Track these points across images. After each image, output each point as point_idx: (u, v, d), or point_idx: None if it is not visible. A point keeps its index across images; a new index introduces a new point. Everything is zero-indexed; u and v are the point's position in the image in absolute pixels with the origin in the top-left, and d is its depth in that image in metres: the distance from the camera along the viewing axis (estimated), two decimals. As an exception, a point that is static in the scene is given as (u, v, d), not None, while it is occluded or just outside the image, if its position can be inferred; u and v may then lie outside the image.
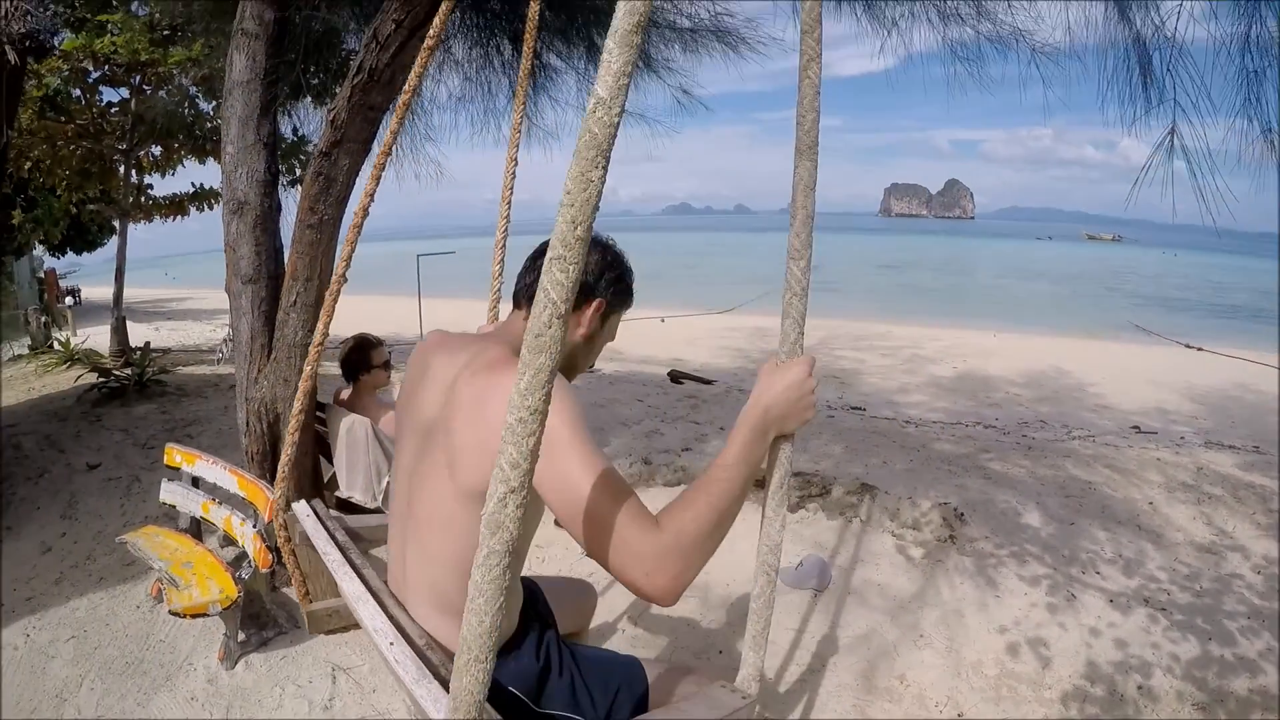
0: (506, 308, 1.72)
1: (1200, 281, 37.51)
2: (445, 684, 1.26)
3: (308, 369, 2.34)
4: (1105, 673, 2.98)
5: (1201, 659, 3.06)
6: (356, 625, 1.96)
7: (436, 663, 1.34)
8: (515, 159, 2.64)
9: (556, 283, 0.82)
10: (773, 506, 1.34)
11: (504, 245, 2.61)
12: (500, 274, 2.60)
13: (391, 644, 1.39)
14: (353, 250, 2.30)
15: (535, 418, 0.85)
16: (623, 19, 0.77)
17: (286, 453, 2.32)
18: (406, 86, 2.17)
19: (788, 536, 3.74)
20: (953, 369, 10.40)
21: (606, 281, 1.54)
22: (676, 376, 7.48)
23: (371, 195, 2.26)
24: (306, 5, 3.44)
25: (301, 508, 2.13)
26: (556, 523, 1.26)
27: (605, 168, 0.79)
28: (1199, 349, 12.76)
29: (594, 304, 1.53)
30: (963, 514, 4.15)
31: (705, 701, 1.41)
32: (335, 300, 2.31)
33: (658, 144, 4.46)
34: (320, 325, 2.31)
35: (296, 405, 2.33)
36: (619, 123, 0.79)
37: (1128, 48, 2.78)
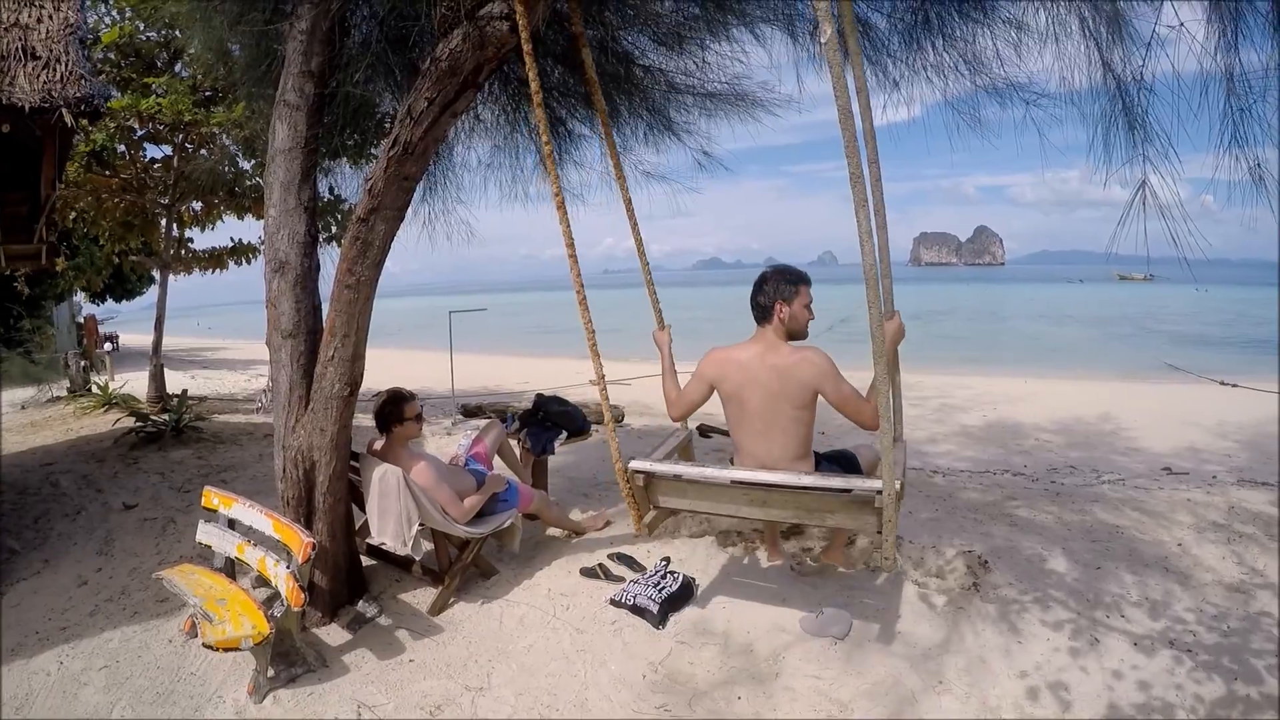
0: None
1: (1234, 316, 36.84)
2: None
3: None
4: (1126, 714, 2.97)
5: (1226, 699, 3.04)
6: (671, 515, 3.71)
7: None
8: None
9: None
10: (896, 379, 3.26)
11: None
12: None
13: (802, 475, 3.08)
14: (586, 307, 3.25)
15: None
16: None
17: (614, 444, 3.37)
18: (554, 192, 2.54)
19: (807, 587, 3.81)
20: (982, 417, 10.30)
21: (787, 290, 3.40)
22: (705, 431, 7.52)
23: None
24: (345, 80, 3.64)
25: (641, 463, 3.32)
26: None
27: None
28: (1233, 385, 12.54)
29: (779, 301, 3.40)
30: (987, 561, 4.14)
31: (898, 449, 3.31)
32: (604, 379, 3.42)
33: (685, 201, 4.61)
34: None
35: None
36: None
37: (1111, 92, 2.88)
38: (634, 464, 3.31)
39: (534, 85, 2.82)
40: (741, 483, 3.14)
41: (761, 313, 3.39)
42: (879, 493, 2.72)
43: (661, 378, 3.75)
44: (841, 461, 3.67)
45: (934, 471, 6.68)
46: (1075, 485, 6.05)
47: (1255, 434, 8.88)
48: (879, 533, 2.78)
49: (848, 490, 2.92)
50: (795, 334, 3.39)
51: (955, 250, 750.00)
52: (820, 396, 3.26)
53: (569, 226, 3.13)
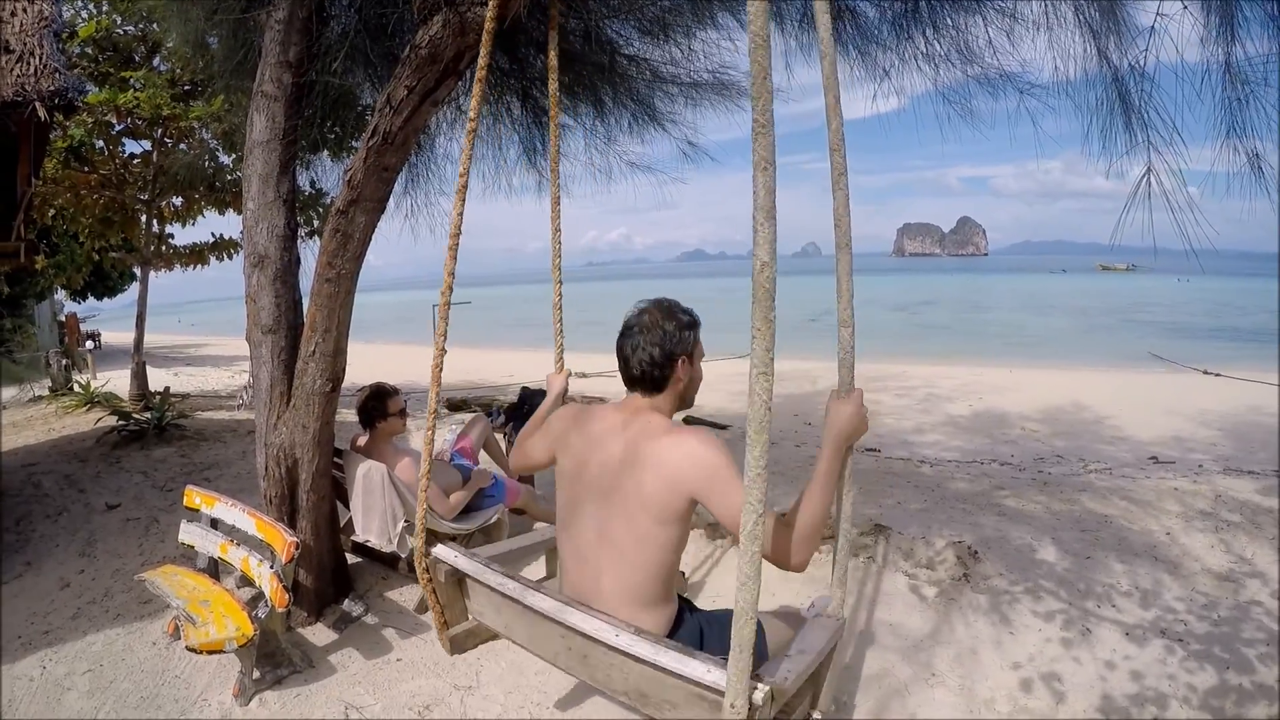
0: (570, 357, 3.02)
1: (1215, 306, 37.21)
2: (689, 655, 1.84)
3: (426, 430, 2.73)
4: (1120, 705, 2.97)
5: (1219, 688, 3.04)
6: (491, 639, 2.69)
7: (671, 644, 1.90)
8: (559, 228, 2.95)
9: (762, 389, 1.60)
10: (844, 489, 2.04)
11: (560, 306, 3.00)
12: (561, 331, 3.08)
13: (618, 635, 1.95)
14: (449, 302, 2.62)
15: (762, 475, 1.58)
16: (763, 198, 0.94)
17: (421, 509, 2.69)
18: (461, 172, 2.52)
19: (799, 579, 3.78)
20: (968, 407, 10.33)
21: (689, 337, 2.18)
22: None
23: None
24: (323, 70, 3.57)
25: (446, 551, 2.55)
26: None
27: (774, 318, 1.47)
28: (1216, 374, 12.66)
29: (683, 357, 2.17)
30: (977, 552, 4.14)
31: (817, 628, 2.10)
32: (439, 368, 2.67)
33: (669, 193, 4.56)
34: (431, 396, 2.68)
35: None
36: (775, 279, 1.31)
37: (1107, 85, 2.85)
38: (438, 551, 2.53)
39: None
40: (552, 618, 2.13)
41: (649, 381, 2.15)
42: (722, 695, 1.67)
43: (533, 417, 2.69)
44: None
45: (921, 461, 6.69)
46: (1063, 475, 6.07)
47: (1239, 423, 8.96)
48: None
49: (685, 677, 1.80)
50: (687, 404, 2.27)
51: (939, 241, 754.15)
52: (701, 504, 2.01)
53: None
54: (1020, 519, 4.74)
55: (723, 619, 2.13)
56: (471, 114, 2.51)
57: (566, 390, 2.93)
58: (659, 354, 2.12)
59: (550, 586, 2.42)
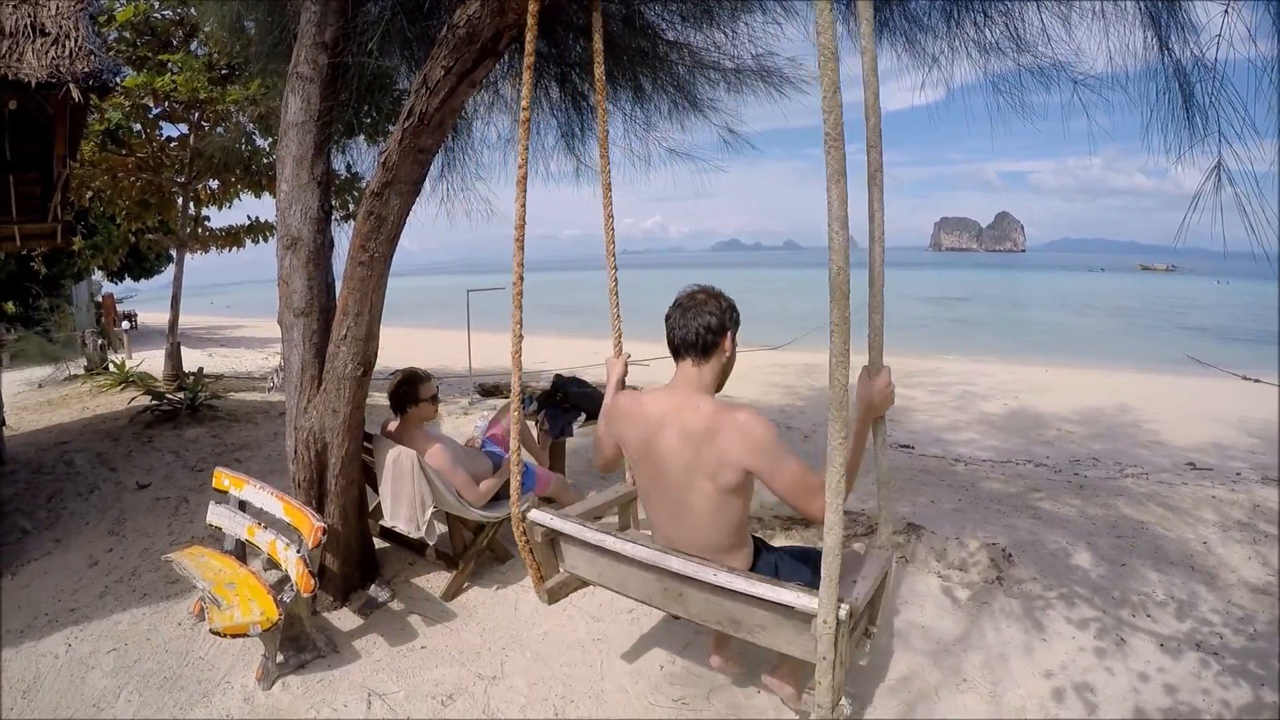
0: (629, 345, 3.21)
1: (1256, 310, 36.32)
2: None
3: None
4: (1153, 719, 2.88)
5: (1253, 705, 2.96)
6: (580, 587, 2.97)
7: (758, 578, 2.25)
8: (612, 214, 2.99)
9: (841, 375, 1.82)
10: (880, 447, 2.33)
11: (616, 292, 3.11)
12: (618, 316, 3.21)
13: (716, 574, 2.27)
14: (520, 293, 2.75)
15: (844, 446, 1.91)
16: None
17: (516, 480, 2.83)
18: (520, 159, 2.59)
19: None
20: (1004, 405, 10.15)
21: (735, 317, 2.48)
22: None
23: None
24: (359, 50, 3.55)
25: (541, 515, 2.76)
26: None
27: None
28: (1256, 380, 12.33)
29: (730, 331, 2.45)
30: (1010, 555, 4.06)
31: (872, 559, 2.49)
32: (519, 354, 2.82)
33: (705, 182, 4.50)
34: (514, 381, 2.81)
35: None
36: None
37: (1169, 78, 2.74)
38: (534, 515, 2.75)
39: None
40: (652, 565, 2.46)
41: (701, 346, 2.39)
42: (813, 616, 2.03)
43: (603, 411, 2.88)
44: (805, 560, 2.64)
45: (956, 460, 6.59)
46: (1098, 478, 5.94)
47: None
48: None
49: (777, 604, 2.16)
50: (721, 384, 2.51)
51: (976, 236, 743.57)
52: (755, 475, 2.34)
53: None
54: (1055, 522, 4.65)
55: (793, 553, 2.70)
56: (524, 102, 2.55)
57: (626, 375, 3.04)
58: (714, 322, 2.39)
59: (634, 536, 2.72)
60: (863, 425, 2.25)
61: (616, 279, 3.08)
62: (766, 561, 2.60)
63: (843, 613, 2.00)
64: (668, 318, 2.45)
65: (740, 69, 4.01)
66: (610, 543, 2.56)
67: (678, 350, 2.44)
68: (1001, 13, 3.05)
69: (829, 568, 1.96)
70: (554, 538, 2.81)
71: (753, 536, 2.63)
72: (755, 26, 3.77)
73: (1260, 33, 2.47)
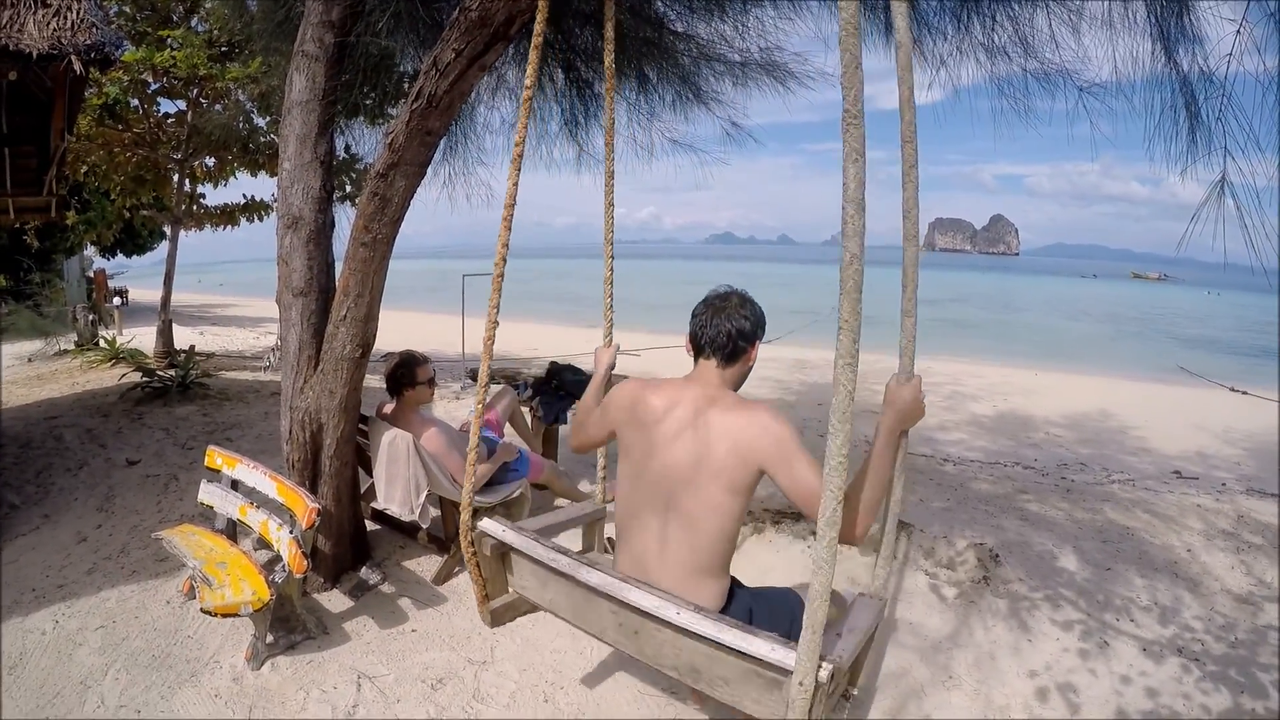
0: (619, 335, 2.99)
1: (1245, 322, 36.58)
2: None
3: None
4: (1135, 722, 2.92)
5: (1232, 711, 3.00)
6: (530, 611, 2.71)
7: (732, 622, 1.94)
8: (613, 203, 2.90)
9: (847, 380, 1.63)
10: (896, 472, 2.03)
11: (611, 281, 2.96)
12: (611, 306, 3.03)
13: (679, 613, 1.97)
14: (501, 278, 2.62)
15: (843, 464, 1.62)
16: (853, 190, 0.85)
17: (469, 479, 2.64)
18: (517, 137, 2.49)
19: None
20: (993, 407, 10.21)
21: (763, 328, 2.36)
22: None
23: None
24: (367, 30, 3.53)
25: (493, 525, 2.52)
26: None
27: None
28: (1243, 392, 12.42)
29: (757, 340, 2.33)
30: (998, 555, 4.09)
31: (863, 608, 2.17)
32: (492, 339, 2.63)
33: (702, 174, 4.51)
34: (483, 366, 2.64)
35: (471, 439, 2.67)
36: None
37: (1175, 90, 2.76)
38: (485, 525, 2.53)
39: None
40: (607, 594, 2.17)
41: (729, 350, 2.27)
42: (789, 675, 1.74)
43: (586, 394, 2.79)
44: (783, 605, 2.40)
45: (945, 459, 6.63)
46: (1086, 483, 5.98)
47: (1265, 443, 8.80)
48: None
49: (747, 655, 1.85)
50: (739, 387, 2.38)
51: (970, 238, 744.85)
52: (769, 477, 2.12)
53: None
54: (1042, 525, 4.68)
55: (770, 596, 2.44)
56: (528, 80, 2.47)
57: (614, 365, 2.93)
58: (747, 329, 2.28)
59: (594, 560, 2.41)
60: (889, 439, 1.98)
61: (613, 268, 2.98)
62: (740, 602, 2.32)
63: (824, 674, 1.71)
64: (696, 314, 2.33)
65: (746, 62, 4.01)
66: (564, 564, 2.28)
67: (702, 349, 2.30)
68: (1010, 17, 3.06)
69: (812, 615, 1.66)
70: (505, 552, 2.54)
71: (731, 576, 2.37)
72: (766, 21, 3.77)
73: (1267, 47, 2.49)
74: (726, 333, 2.26)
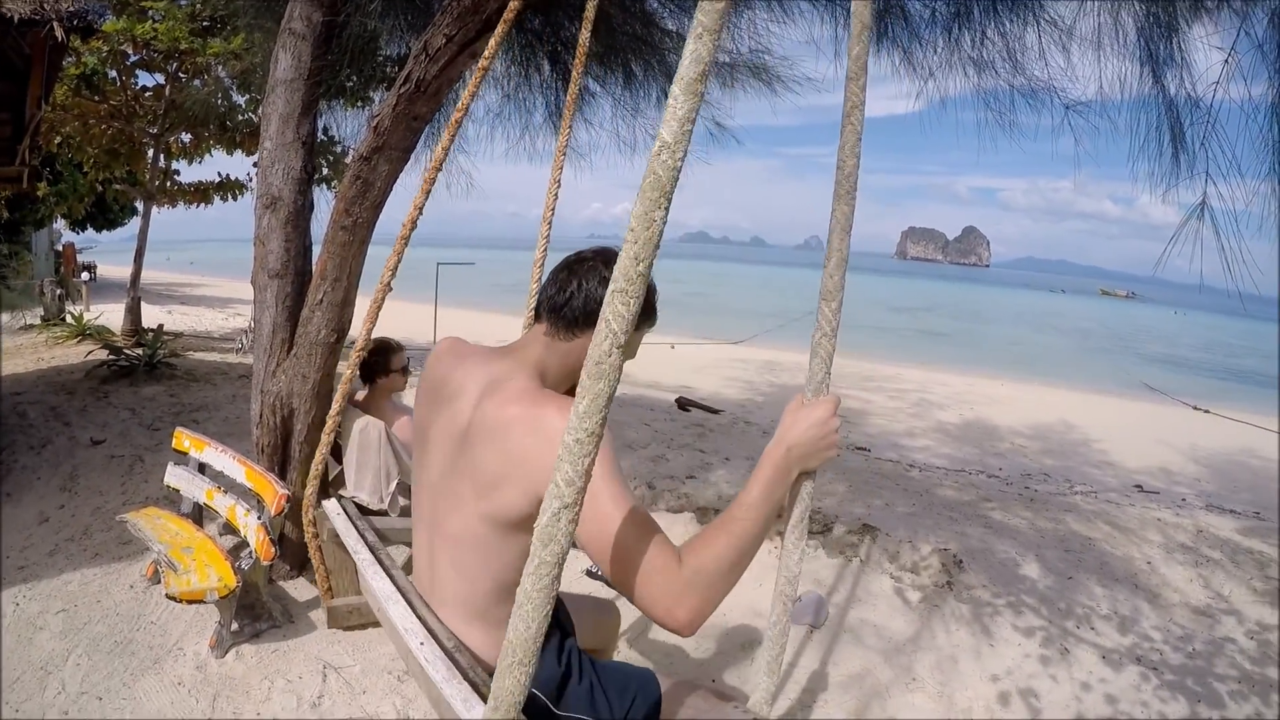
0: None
1: (1210, 343, 37.41)
2: (473, 686, 1.38)
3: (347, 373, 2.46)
4: (1095, 728, 2.98)
5: (1189, 718, 3.07)
6: (375, 624, 2.22)
7: (465, 665, 1.44)
8: (559, 180, 2.79)
9: (618, 314, 0.86)
10: (792, 540, 1.36)
11: (542, 264, 2.72)
12: (537, 291, 2.61)
13: (421, 644, 1.51)
14: (399, 261, 2.42)
15: (592, 440, 0.90)
16: (688, 67, 0.82)
17: (321, 452, 2.36)
18: (459, 106, 2.32)
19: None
20: (960, 416, 10.38)
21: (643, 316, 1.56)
22: (684, 404, 7.48)
23: (420, 208, 2.39)
24: (356, 11, 3.49)
25: (332, 505, 2.23)
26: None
27: (668, 208, 0.84)
28: (1206, 411, 12.73)
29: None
30: (961, 561, 4.15)
31: None
32: (379, 308, 2.50)
33: (683, 172, 4.52)
34: (363, 332, 2.54)
35: (335, 407, 2.46)
36: (681, 166, 0.83)
37: (1161, 113, 2.82)
38: (328, 505, 2.22)
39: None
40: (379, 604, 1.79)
41: (570, 316, 1.53)
42: None
43: None
44: (624, 693, 1.61)
45: (911, 465, 6.70)
46: (1049, 493, 6.09)
47: (1225, 461, 9.04)
48: None
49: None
50: (573, 386, 1.13)
51: (942, 248, 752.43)
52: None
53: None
54: (1005, 532, 4.75)
55: (620, 674, 1.64)
56: (488, 51, 2.42)
57: None
58: (584, 289, 1.53)
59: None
60: (769, 482, 1.28)
61: (545, 250, 2.73)
62: (581, 688, 1.55)
63: None
64: (556, 271, 1.61)
65: (735, 63, 4.03)
66: (363, 559, 1.91)
67: (538, 309, 1.60)
68: (1001, 33, 3.10)
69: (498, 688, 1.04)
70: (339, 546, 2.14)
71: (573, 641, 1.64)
72: (758, 23, 3.79)
73: (1254, 77, 2.55)
74: (572, 291, 1.53)
